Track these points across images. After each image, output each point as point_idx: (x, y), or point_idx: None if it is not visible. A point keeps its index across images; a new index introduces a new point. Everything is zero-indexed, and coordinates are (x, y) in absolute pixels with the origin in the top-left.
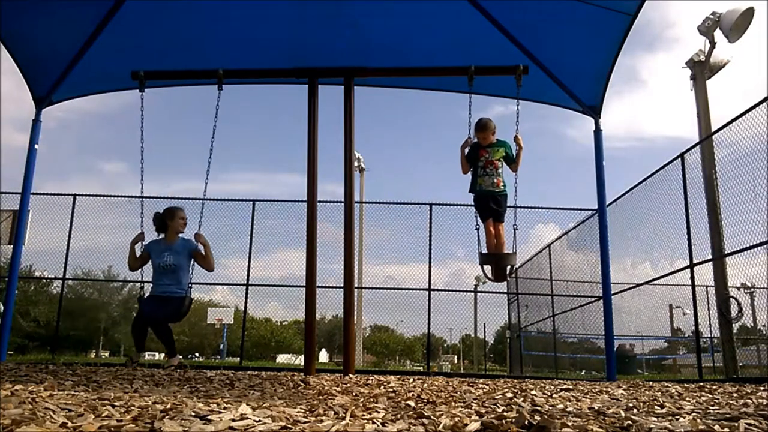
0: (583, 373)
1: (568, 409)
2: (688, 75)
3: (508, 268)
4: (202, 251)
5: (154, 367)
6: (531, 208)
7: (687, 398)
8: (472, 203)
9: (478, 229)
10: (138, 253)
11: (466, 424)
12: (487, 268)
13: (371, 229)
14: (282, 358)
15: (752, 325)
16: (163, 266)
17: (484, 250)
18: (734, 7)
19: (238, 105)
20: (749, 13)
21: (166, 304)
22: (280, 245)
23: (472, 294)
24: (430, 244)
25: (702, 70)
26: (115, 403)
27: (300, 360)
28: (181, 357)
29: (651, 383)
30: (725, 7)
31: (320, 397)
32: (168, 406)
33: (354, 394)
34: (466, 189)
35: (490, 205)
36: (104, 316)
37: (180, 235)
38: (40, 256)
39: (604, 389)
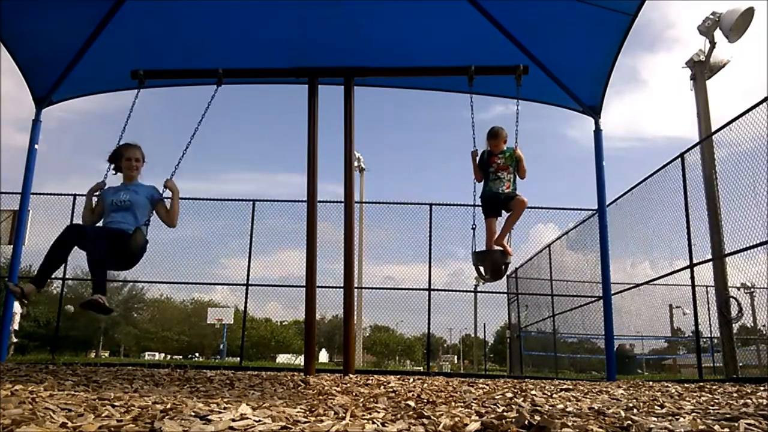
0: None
1: (568, 409)
2: (688, 75)
3: (504, 266)
4: (167, 204)
5: (154, 367)
6: (531, 208)
7: (687, 398)
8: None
9: (474, 229)
10: (95, 204)
11: (466, 424)
12: (482, 267)
13: (371, 229)
14: (282, 358)
15: (752, 325)
16: (115, 202)
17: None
18: (734, 7)
19: (238, 105)
20: (749, 13)
21: (110, 235)
22: (280, 245)
23: (472, 294)
24: (430, 244)
25: (702, 70)
26: (115, 403)
27: (300, 360)
28: (101, 302)
29: (651, 383)
30: (725, 7)
31: (320, 397)
32: (168, 406)
33: (354, 394)
34: (467, 189)
35: (494, 206)
36: (104, 316)
37: (142, 182)
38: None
39: (604, 389)
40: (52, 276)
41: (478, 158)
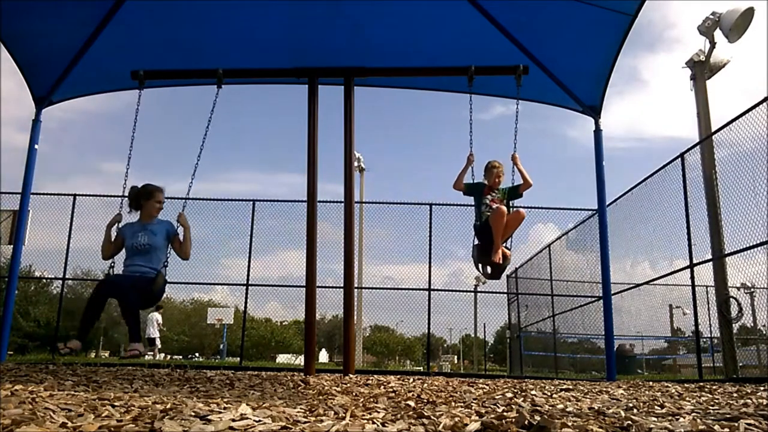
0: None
1: (568, 409)
2: (688, 75)
3: (502, 268)
4: (181, 236)
5: (154, 367)
6: (531, 208)
7: (687, 398)
8: (471, 202)
9: (476, 226)
10: (113, 238)
11: (466, 424)
12: (481, 264)
13: (371, 229)
14: (282, 358)
15: (752, 325)
16: (136, 246)
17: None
18: (734, 7)
19: (238, 105)
20: (749, 13)
21: (136, 283)
22: (280, 245)
23: (472, 294)
24: (430, 244)
25: (702, 70)
26: (115, 403)
27: (300, 360)
28: (140, 351)
29: (651, 383)
30: (725, 7)
31: (320, 397)
32: (168, 406)
33: (354, 394)
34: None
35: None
36: (104, 316)
37: (158, 217)
38: (40, 256)
39: (604, 389)
40: (52, 277)
41: (470, 181)
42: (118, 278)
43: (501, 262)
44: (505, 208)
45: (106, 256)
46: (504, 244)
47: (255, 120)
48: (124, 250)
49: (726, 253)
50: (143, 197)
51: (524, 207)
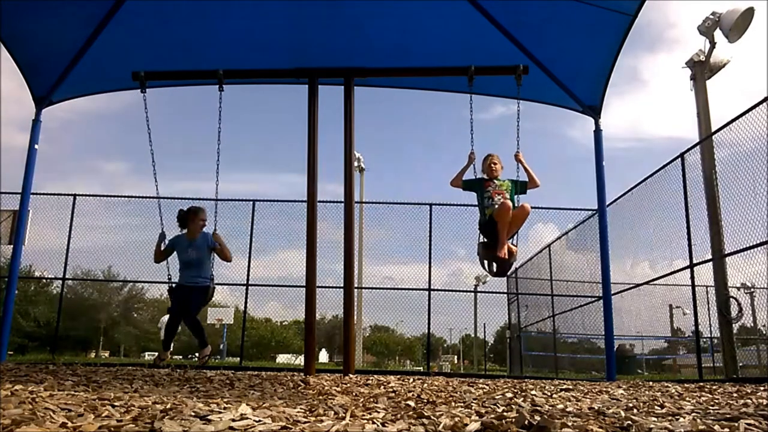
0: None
1: (568, 409)
2: (688, 75)
3: (509, 265)
4: (219, 246)
5: (154, 367)
6: (531, 207)
7: (687, 398)
8: (473, 200)
9: (480, 223)
10: (163, 247)
11: (466, 424)
12: (487, 261)
13: (371, 229)
14: (282, 358)
15: (752, 325)
16: (187, 261)
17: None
18: (734, 7)
19: (238, 105)
20: (749, 13)
21: (193, 291)
22: (280, 245)
23: (472, 294)
24: (430, 244)
25: (702, 70)
26: (115, 403)
27: (300, 360)
28: (210, 352)
29: (651, 383)
30: (725, 7)
31: (320, 397)
32: (168, 406)
33: (354, 394)
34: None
35: (494, 230)
36: (104, 316)
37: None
38: (40, 256)
39: (604, 389)
40: (52, 277)
41: (469, 177)
42: (181, 296)
43: (507, 257)
44: (510, 203)
45: (157, 261)
46: (510, 240)
47: (255, 120)
48: (177, 259)
49: (726, 253)
50: (189, 219)
51: None
